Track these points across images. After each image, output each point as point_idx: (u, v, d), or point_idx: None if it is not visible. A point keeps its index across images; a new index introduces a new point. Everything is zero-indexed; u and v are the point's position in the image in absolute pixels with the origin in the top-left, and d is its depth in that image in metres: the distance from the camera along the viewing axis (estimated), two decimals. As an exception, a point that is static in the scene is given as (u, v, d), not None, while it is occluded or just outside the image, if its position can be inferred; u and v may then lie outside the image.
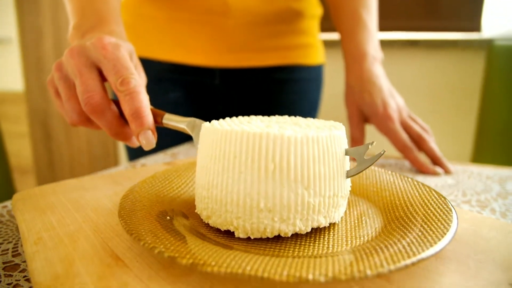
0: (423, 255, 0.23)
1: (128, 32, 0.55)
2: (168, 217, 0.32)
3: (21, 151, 2.45)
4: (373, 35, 0.74)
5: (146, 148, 0.39)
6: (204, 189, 0.32)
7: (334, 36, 1.67)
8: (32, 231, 0.32)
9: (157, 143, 0.40)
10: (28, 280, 0.30)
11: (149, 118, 0.39)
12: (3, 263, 0.32)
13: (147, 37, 0.83)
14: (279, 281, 0.21)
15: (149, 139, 0.39)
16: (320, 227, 0.31)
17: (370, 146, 0.32)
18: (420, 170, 0.62)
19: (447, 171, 0.61)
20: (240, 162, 0.29)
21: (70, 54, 0.41)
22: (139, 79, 0.40)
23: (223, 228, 0.31)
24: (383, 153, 0.31)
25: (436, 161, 0.63)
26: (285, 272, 0.21)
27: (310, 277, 0.20)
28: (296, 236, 0.32)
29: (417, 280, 0.25)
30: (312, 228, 0.31)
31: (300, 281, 0.20)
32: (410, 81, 1.74)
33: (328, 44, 1.58)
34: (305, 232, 0.30)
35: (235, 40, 0.81)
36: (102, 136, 2.38)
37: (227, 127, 0.31)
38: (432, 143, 0.64)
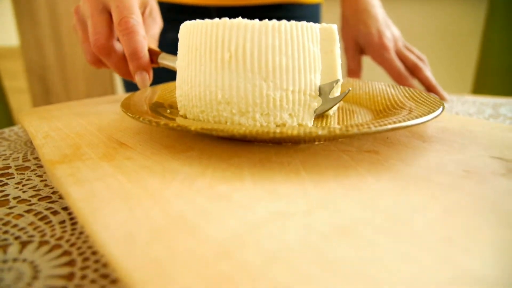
0: (409, 122, 0.24)
1: None
2: (168, 111, 0.33)
3: (21, 107, 2.45)
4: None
5: (141, 87, 0.41)
6: (179, 87, 0.32)
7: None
8: (40, 131, 0.33)
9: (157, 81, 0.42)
10: (39, 176, 0.31)
11: (144, 59, 0.40)
12: (15, 165, 0.34)
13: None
14: (271, 139, 0.22)
15: (144, 79, 0.41)
16: (286, 125, 0.30)
17: (335, 84, 0.31)
18: (415, 97, 0.63)
19: (442, 99, 0.62)
20: (200, 54, 0.29)
21: None
22: (139, 19, 0.41)
23: None
24: (348, 92, 0.31)
25: (431, 89, 0.64)
26: (278, 130, 0.22)
27: (301, 132, 0.22)
28: None
29: (403, 154, 0.27)
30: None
31: (291, 137, 0.22)
32: (411, 28, 1.72)
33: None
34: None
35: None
36: (101, 90, 2.38)
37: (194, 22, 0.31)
38: (428, 71, 0.65)
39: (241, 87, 0.28)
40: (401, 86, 0.40)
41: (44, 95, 2.41)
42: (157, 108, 0.33)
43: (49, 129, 0.34)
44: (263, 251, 0.15)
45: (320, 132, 0.22)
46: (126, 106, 0.31)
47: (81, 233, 0.23)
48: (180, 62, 0.32)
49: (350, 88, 0.32)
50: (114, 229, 0.16)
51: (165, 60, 0.42)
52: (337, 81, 0.31)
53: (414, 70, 0.65)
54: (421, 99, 0.34)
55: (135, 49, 0.40)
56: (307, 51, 0.29)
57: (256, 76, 0.28)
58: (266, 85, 0.28)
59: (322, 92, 0.31)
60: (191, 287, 0.13)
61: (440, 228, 0.17)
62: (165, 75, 0.62)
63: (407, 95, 0.37)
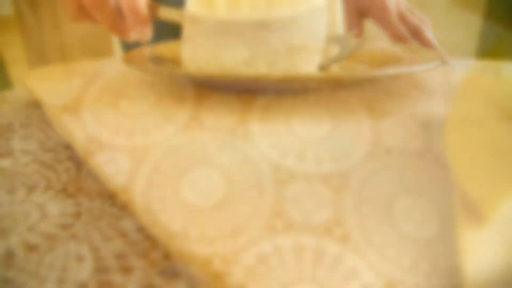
0: (410, 68, 0.25)
1: None
2: (170, 64, 0.33)
3: (19, 78, 2.44)
4: None
5: (142, 40, 0.40)
6: (186, 39, 0.32)
7: None
8: (42, 88, 0.33)
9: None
10: (43, 131, 0.32)
11: (143, 12, 0.39)
12: (19, 123, 0.34)
13: None
14: (273, 83, 0.22)
15: (143, 33, 0.39)
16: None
17: (350, 36, 0.31)
18: (417, 60, 0.62)
19: (444, 62, 0.62)
20: (209, 4, 0.30)
21: None
22: None
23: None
24: (363, 42, 0.31)
25: (433, 51, 0.63)
26: (279, 74, 0.22)
27: (302, 75, 0.22)
28: None
29: (404, 103, 0.27)
30: None
31: (292, 79, 0.22)
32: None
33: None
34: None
35: None
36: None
37: None
38: (429, 34, 0.64)
39: (248, 37, 0.28)
40: (402, 45, 0.40)
41: (42, 65, 2.38)
42: (159, 61, 0.33)
43: (52, 85, 0.34)
44: (266, 175, 0.15)
45: (320, 75, 0.22)
46: (128, 60, 0.31)
47: (86, 179, 0.23)
48: (189, 12, 0.31)
49: (362, 40, 0.32)
50: (118, 163, 0.17)
51: (166, 13, 0.41)
52: (350, 34, 0.32)
53: (415, 33, 0.64)
54: (422, 53, 0.34)
55: (132, 3, 0.38)
56: (312, 4, 0.30)
57: (264, 26, 0.28)
58: (273, 36, 0.29)
59: (338, 42, 0.31)
60: (194, 204, 0.14)
61: (437, 159, 0.17)
62: (161, 33, 0.61)
63: (407, 50, 0.37)
